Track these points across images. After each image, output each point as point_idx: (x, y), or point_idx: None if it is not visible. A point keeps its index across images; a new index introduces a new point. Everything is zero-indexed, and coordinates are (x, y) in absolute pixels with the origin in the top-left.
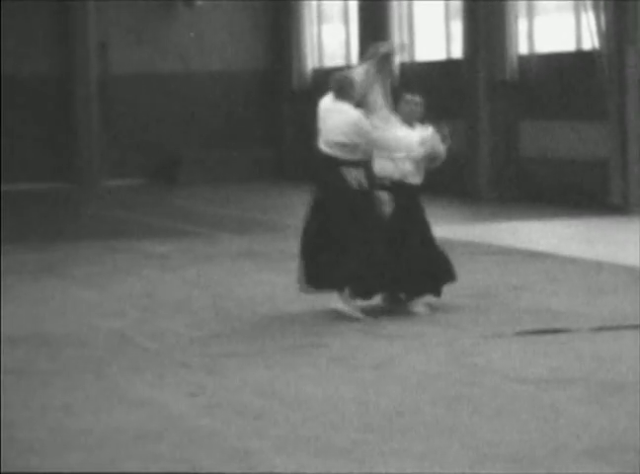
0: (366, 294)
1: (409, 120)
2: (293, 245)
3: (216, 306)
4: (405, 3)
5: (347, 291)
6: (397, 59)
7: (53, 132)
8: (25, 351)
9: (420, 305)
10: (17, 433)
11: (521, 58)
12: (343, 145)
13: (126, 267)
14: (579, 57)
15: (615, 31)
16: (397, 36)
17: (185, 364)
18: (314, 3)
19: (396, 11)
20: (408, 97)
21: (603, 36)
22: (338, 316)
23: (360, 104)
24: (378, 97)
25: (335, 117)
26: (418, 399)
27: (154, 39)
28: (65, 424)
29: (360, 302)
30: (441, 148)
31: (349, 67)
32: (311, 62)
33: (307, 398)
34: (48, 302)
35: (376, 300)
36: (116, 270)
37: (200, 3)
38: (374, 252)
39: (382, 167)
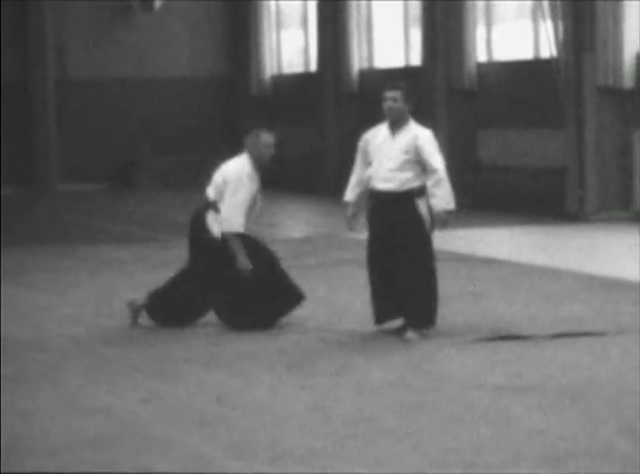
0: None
1: (264, 165)
2: None
3: None
4: (364, 10)
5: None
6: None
7: (10, 136)
8: None
9: None
10: None
11: (480, 66)
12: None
13: (83, 272)
14: (537, 65)
15: (573, 38)
16: (356, 42)
17: (140, 370)
18: (273, 9)
19: (355, 18)
20: (271, 139)
21: (561, 43)
22: (294, 323)
23: None
24: None
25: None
26: (374, 406)
27: (112, 44)
28: (20, 429)
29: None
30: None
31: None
32: (270, 69)
33: (263, 404)
34: (4, 307)
35: None
36: (72, 275)
37: (158, 7)
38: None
39: None
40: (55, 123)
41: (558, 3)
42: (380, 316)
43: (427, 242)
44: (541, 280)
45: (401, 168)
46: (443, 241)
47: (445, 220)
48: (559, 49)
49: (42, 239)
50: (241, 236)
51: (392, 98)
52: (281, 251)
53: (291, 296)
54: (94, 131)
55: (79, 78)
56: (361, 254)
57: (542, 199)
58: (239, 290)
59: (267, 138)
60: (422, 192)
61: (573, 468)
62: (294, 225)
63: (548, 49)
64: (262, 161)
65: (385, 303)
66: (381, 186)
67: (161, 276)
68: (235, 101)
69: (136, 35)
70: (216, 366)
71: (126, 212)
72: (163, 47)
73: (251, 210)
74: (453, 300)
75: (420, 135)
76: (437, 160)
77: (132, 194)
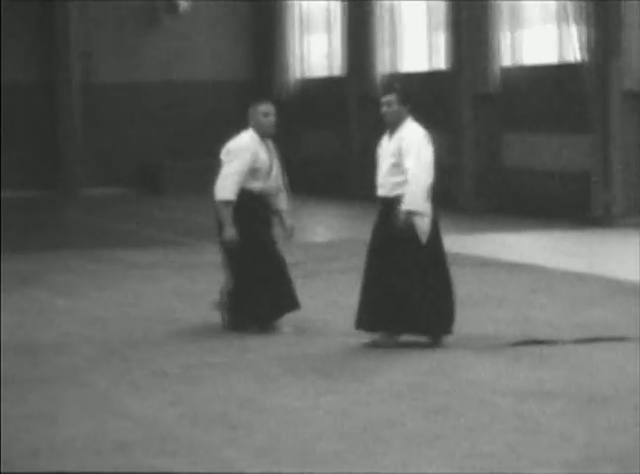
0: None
1: (270, 134)
2: None
3: (198, 316)
4: (389, 14)
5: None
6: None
7: (36, 140)
8: (7, 359)
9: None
10: None
11: (505, 70)
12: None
13: (109, 276)
14: (562, 69)
15: (599, 42)
16: (381, 46)
17: (165, 374)
18: (299, 13)
19: (380, 22)
20: (266, 108)
21: (587, 47)
22: (320, 328)
23: None
24: None
25: None
26: (399, 410)
27: (137, 48)
28: (46, 433)
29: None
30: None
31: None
32: (295, 72)
33: (289, 408)
34: (31, 311)
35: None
36: (98, 279)
37: (183, 12)
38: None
39: None
40: (81, 128)
41: (583, 7)
42: (360, 322)
43: (414, 250)
44: (566, 285)
45: (390, 172)
46: (468, 245)
47: (403, 221)
48: (584, 54)
49: (68, 243)
50: (262, 232)
51: (387, 102)
52: (305, 255)
53: (286, 302)
54: (119, 135)
55: (105, 82)
56: None
57: (567, 204)
58: (237, 288)
59: (264, 108)
60: None
61: None
62: (319, 229)
63: (573, 54)
64: (264, 130)
65: (367, 311)
66: (378, 191)
67: (187, 280)
68: None
69: (162, 38)
70: (241, 370)
71: (152, 216)
72: (188, 51)
73: (266, 178)
74: (478, 305)
75: (405, 137)
76: (410, 160)
77: (158, 197)
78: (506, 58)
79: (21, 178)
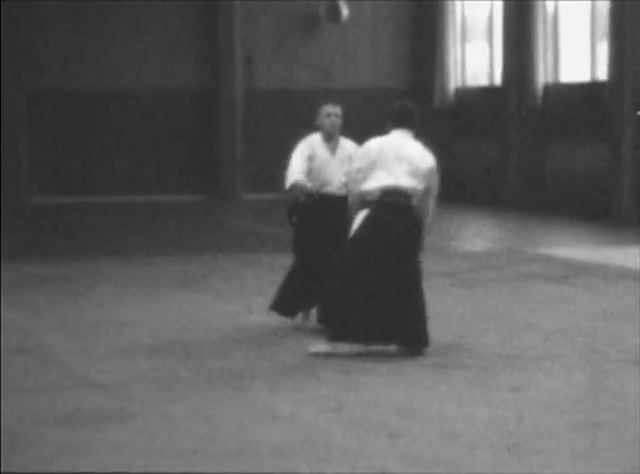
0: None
1: (332, 134)
2: (430, 265)
3: None
4: (550, 23)
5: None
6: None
7: (197, 145)
8: (166, 360)
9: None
10: (154, 442)
11: None
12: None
13: (266, 281)
14: None
15: None
16: (541, 55)
17: (323, 380)
18: (458, 21)
19: (541, 31)
20: (329, 109)
21: None
22: (475, 337)
23: None
24: None
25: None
26: (556, 422)
27: (297, 54)
28: (203, 434)
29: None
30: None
31: (491, 87)
32: (454, 81)
33: (444, 417)
34: (190, 313)
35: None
36: (255, 283)
37: (344, 18)
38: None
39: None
40: (242, 133)
41: None
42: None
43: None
44: None
45: None
46: (626, 258)
47: None
48: None
49: (223, 247)
50: (307, 231)
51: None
52: (462, 264)
53: (298, 304)
54: (278, 141)
55: (265, 88)
56: (542, 269)
57: None
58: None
59: (327, 109)
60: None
61: None
62: (476, 239)
63: None
64: (325, 130)
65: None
66: None
67: None
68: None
69: (321, 45)
70: (397, 378)
71: None
72: (347, 57)
73: (318, 176)
74: (635, 317)
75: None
76: None
77: None
78: None
79: (180, 182)
